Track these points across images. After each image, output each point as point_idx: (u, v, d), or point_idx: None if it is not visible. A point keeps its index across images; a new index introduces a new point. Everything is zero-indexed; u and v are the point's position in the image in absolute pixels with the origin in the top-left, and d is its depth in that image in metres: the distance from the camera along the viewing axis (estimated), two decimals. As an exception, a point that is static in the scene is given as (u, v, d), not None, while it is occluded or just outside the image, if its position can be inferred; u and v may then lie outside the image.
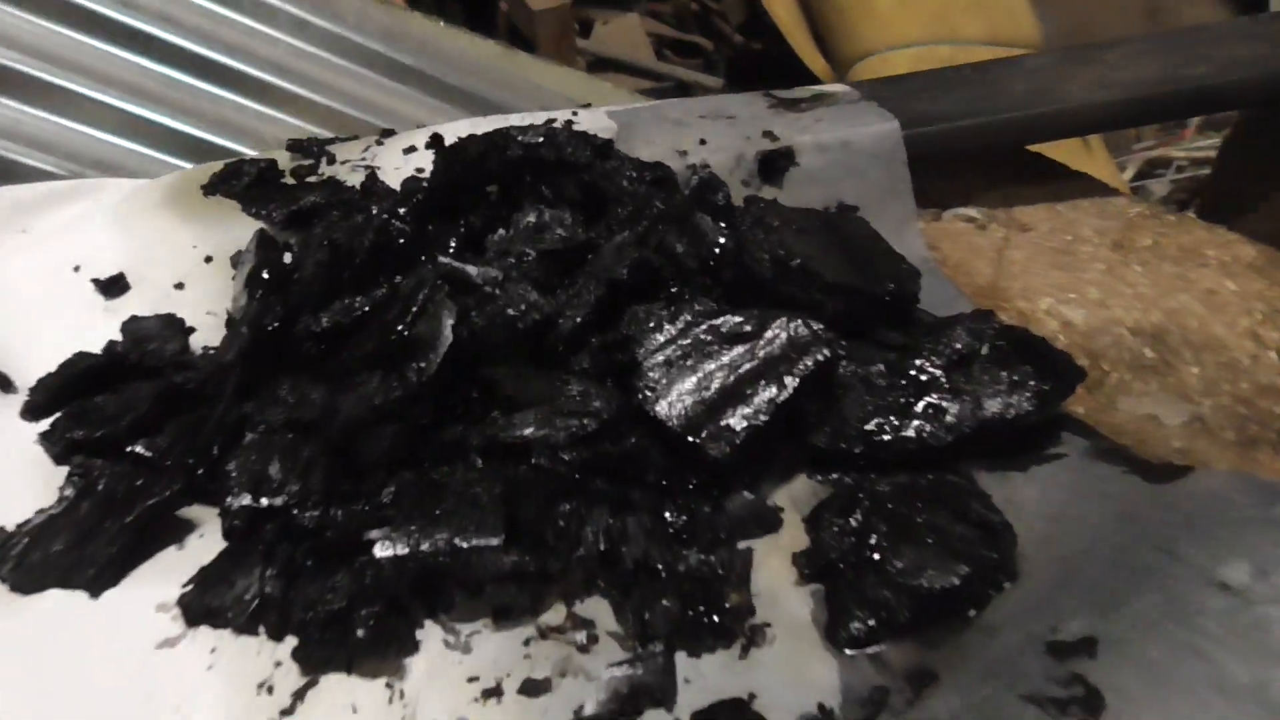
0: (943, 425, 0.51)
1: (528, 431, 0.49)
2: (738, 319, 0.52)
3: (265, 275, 0.54)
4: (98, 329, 0.61)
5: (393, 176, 0.67)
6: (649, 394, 0.50)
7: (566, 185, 0.57)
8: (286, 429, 0.53)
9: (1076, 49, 0.73)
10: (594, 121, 0.69)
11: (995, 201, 0.70)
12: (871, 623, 0.45)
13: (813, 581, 0.49)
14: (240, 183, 0.68)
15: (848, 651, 0.46)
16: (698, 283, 0.58)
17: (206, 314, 0.63)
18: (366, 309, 0.54)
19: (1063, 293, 0.63)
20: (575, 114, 0.71)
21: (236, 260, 0.63)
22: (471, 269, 0.54)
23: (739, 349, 0.51)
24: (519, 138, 0.57)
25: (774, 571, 0.50)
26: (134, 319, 0.62)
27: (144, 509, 0.51)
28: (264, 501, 0.51)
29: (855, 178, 0.67)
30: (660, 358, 0.51)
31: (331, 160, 0.70)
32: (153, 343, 0.60)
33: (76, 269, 0.65)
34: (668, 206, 0.59)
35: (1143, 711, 0.34)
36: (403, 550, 0.46)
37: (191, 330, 0.62)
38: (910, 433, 0.51)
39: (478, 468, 0.49)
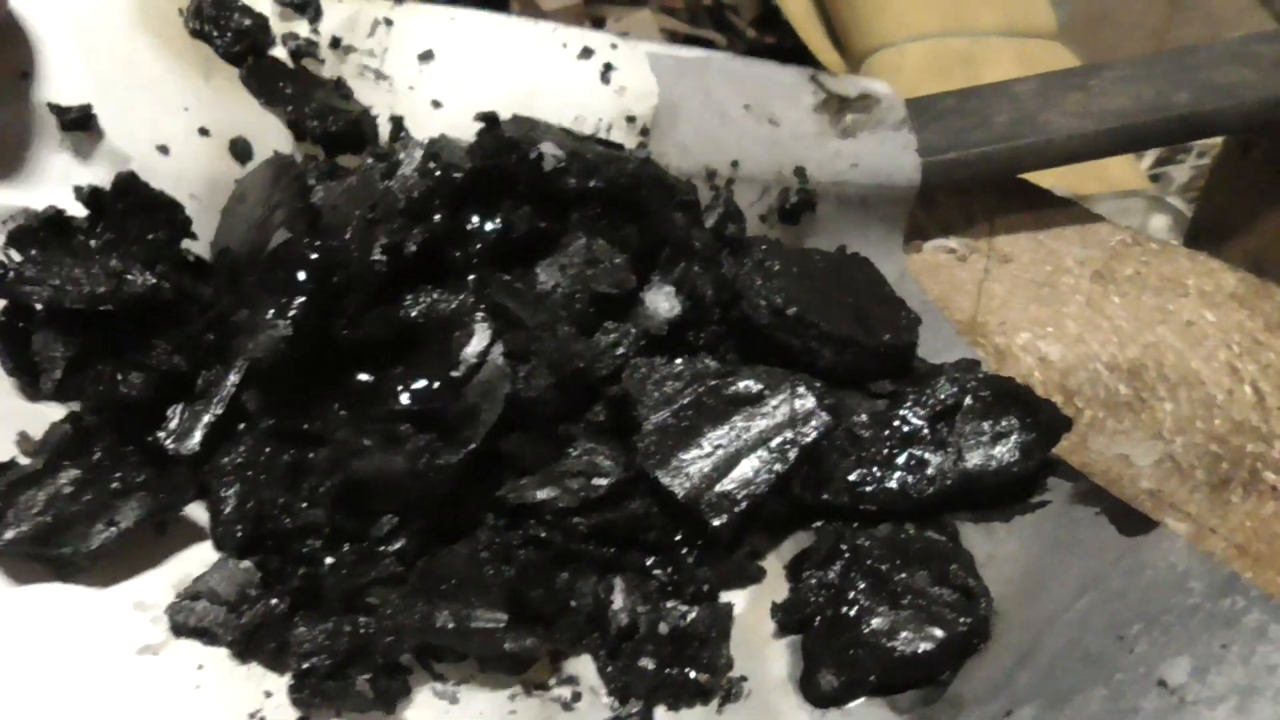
0: (924, 477, 0.52)
1: (540, 495, 0.49)
2: (743, 383, 0.52)
3: (301, 275, 0.49)
4: (56, 166, 0.53)
5: (408, 99, 0.61)
6: (653, 460, 0.51)
7: (623, 224, 0.55)
8: (295, 440, 0.51)
9: (1060, 75, 0.73)
10: (635, 76, 0.64)
11: (978, 231, 0.71)
12: (844, 680, 0.47)
13: (790, 633, 0.50)
14: (225, 36, 0.59)
15: (819, 708, 0.47)
16: (712, 331, 0.58)
17: (190, 196, 0.55)
18: (408, 320, 0.51)
19: (1041, 327, 0.63)
20: (614, 47, 0.65)
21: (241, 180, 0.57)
22: (522, 314, 0.52)
23: (741, 415, 0.52)
24: (604, 167, 0.54)
25: (754, 623, 0.51)
26: (129, 175, 0.52)
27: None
28: (266, 526, 0.50)
29: (860, 232, 0.67)
30: (660, 418, 0.52)
31: (336, 43, 0.62)
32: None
33: (24, 75, 0.53)
34: (700, 245, 0.58)
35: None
36: (410, 622, 0.47)
37: (187, 221, 0.54)
38: (893, 484, 0.52)
39: (486, 541, 0.50)
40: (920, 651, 0.45)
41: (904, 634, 0.46)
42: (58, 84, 0.53)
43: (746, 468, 0.50)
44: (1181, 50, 0.73)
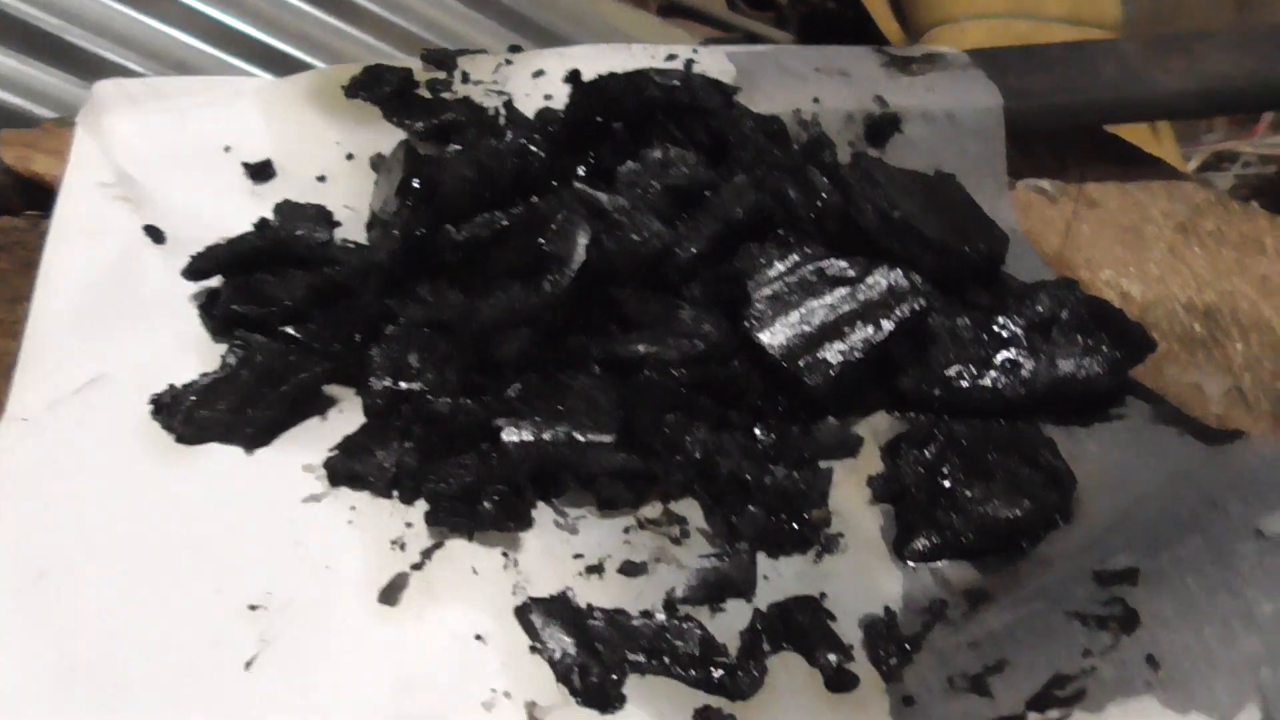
0: (1018, 379, 0.57)
1: (642, 348, 0.55)
2: (843, 263, 0.57)
3: (416, 185, 0.59)
4: (245, 208, 0.67)
5: (522, 103, 0.72)
6: (754, 322, 0.56)
7: (695, 128, 0.62)
8: (425, 325, 0.59)
9: (1166, 38, 0.77)
10: (714, 62, 0.73)
11: (1069, 177, 0.75)
12: (936, 540, 0.52)
13: (885, 502, 0.55)
14: (381, 89, 0.72)
15: (911, 565, 0.52)
16: (805, 230, 0.63)
17: (345, 208, 0.68)
18: (505, 224, 0.60)
19: (1124, 267, 0.68)
20: (695, 51, 0.75)
21: (377, 163, 0.69)
22: (603, 196, 0.59)
23: (841, 290, 0.57)
24: (657, 79, 0.62)
25: (850, 492, 0.56)
26: (288, 203, 0.66)
27: (296, 382, 0.58)
28: (403, 385, 0.57)
29: (955, 149, 0.71)
30: (768, 291, 0.57)
31: (466, 78, 0.74)
32: (302, 228, 0.65)
33: (227, 149, 0.70)
34: (784, 156, 0.64)
35: (1175, 634, 0.41)
36: (528, 437, 0.53)
37: (338, 224, 0.67)
38: (987, 382, 0.57)
39: (597, 375, 0.56)
40: (1010, 517, 0.51)
41: (995, 501, 0.51)
42: (249, 148, 0.70)
43: (843, 336, 0.55)
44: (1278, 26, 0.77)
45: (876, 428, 0.59)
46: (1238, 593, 0.40)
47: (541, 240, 0.56)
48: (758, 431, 0.57)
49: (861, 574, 0.53)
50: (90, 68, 0.99)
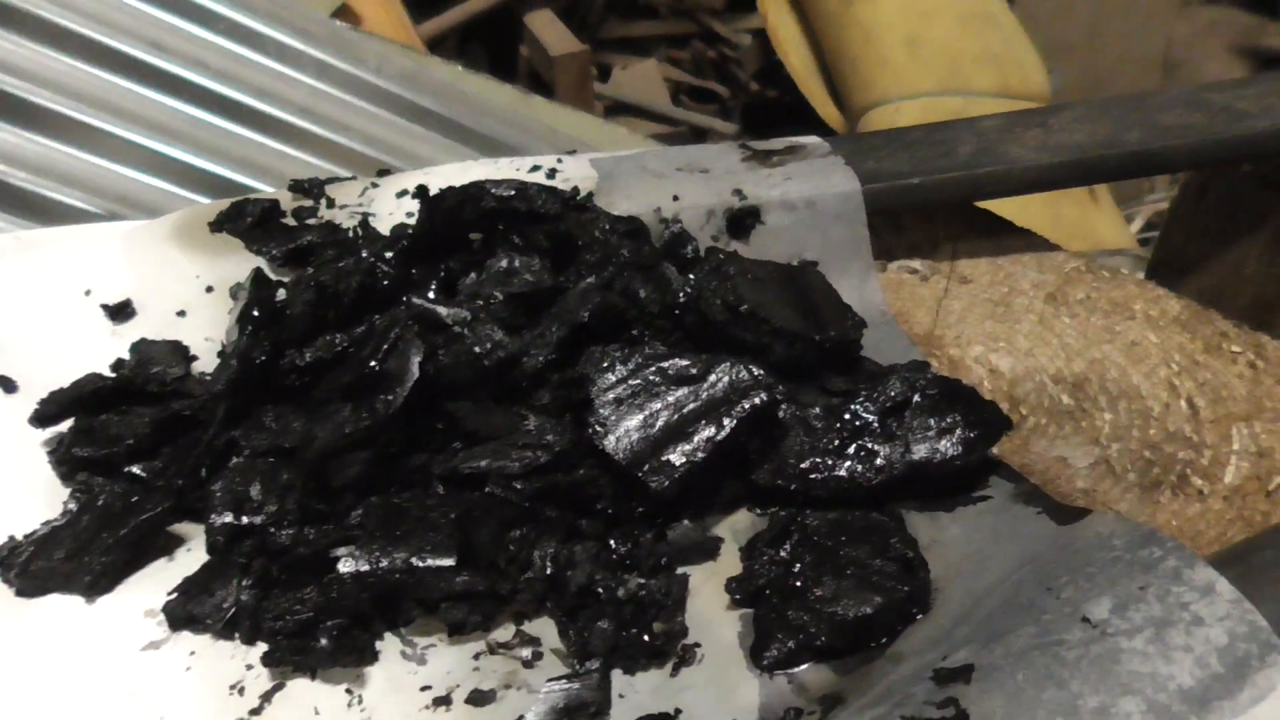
0: (872, 467, 0.56)
1: (484, 462, 0.54)
2: (684, 362, 0.56)
3: (255, 313, 0.59)
4: (104, 349, 0.67)
5: (385, 221, 0.72)
6: (599, 429, 0.55)
7: (536, 234, 0.62)
8: (269, 454, 0.58)
9: (1026, 113, 0.78)
10: (577, 169, 0.74)
11: (942, 255, 0.75)
12: (791, 645, 0.50)
13: (743, 606, 0.53)
14: (244, 221, 0.73)
15: (770, 673, 0.50)
16: (660, 327, 0.62)
17: (205, 340, 0.68)
18: (346, 345, 0.59)
19: (994, 342, 0.67)
20: (560, 160, 0.76)
21: (235, 291, 0.68)
22: (442, 309, 0.59)
23: (684, 390, 0.56)
24: (492, 190, 0.62)
25: (709, 597, 0.54)
26: (143, 341, 0.67)
27: (137, 524, 0.56)
28: (244, 520, 0.56)
29: (818, 235, 0.71)
30: (611, 396, 0.56)
31: (331, 203, 0.75)
32: (156, 366, 0.65)
33: (87, 293, 0.70)
34: (636, 255, 0.64)
35: (1006, 732, 0.39)
36: (364, 567, 0.51)
37: (194, 357, 0.67)
38: (842, 472, 0.56)
39: (438, 494, 0.54)
40: (861, 615, 0.49)
41: (846, 600, 0.49)
42: (109, 289, 0.70)
43: (688, 436, 0.53)
44: (1137, 95, 0.78)
45: (737, 526, 0.57)
46: (1063, 685, 0.38)
47: (374, 360, 0.55)
48: (612, 541, 0.55)
49: (719, 685, 0.50)
50: (36, 208, 1.00)
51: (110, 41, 1.13)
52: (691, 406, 0.55)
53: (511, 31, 3.03)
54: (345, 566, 0.51)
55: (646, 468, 0.54)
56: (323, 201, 0.75)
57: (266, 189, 1.04)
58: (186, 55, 1.17)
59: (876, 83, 2.79)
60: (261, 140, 1.20)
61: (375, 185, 0.75)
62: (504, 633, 0.53)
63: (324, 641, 0.51)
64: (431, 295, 0.63)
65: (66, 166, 1.06)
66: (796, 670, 0.50)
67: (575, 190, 0.69)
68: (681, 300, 0.63)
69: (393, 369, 0.55)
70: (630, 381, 0.56)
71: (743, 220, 0.71)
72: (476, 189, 0.62)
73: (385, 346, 0.55)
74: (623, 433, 0.54)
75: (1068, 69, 3.24)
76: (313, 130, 1.24)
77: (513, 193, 0.62)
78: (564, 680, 0.50)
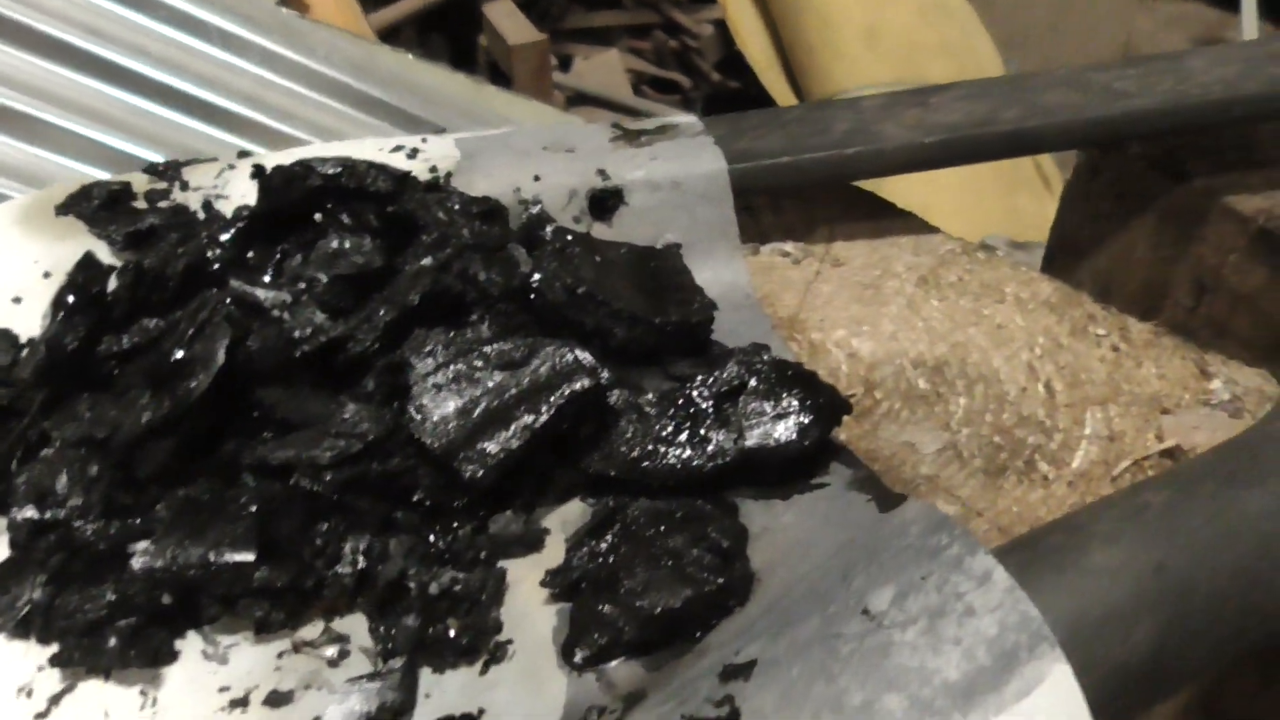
0: (704, 454, 0.53)
1: (292, 452, 0.51)
2: (508, 346, 0.54)
3: (70, 298, 0.56)
4: None
5: (237, 203, 0.69)
6: (416, 417, 0.52)
7: (365, 213, 0.59)
8: (80, 444, 0.55)
9: (910, 92, 0.76)
10: (440, 148, 0.72)
11: (819, 237, 0.73)
12: (602, 641, 0.47)
13: (561, 600, 0.51)
14: (91, 204, 0.70)
15: (579, 670, 0.48)
16: (502, 310, 0.60)
17: (40, 326, 0.65)
18: (163, 329, 0.56)
19: (858, 325, 0.65)
20: (425, 140, 0.73)
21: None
22: (261, 292, 0.56)
23: (506, 375, 0.53)
24: (318, 169, 0.59)
25: (528, 591, 0.52)
26: None
27: (-64, 521, 0.53)
28: (47, 514, 0.53)
29: (685, 216, 0.69)
30: (431, 382, 0.53)
31: (185, 186, 0.72)
32: None
33: None
34: (479, 237, 0.62)
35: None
36: (158, 563, 0.49)
37: (23, 345, 0.64)
38: (673, 460, 0.53)
39: (244, 486, 0.52)
40: (669, 608, 0.46)
41: (655, 593, 0.47)
42: None
43: (505, 424, 0.51)
44: (1019, 75, 0.76)
45: (568, 517, 0.55)
46: (833, 679, 0.36)
47: (179, 347, 0.52)
48: (432, 536, 0.52)
49: (528, 684, 0.48)
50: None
51: (46, 28, 1.10)
52: (512, 392, 0.53)
53: (473, 22, 3.00)
54: (138, 562, 0.49)
55: (461, 456, 0.51)
56: (177, 185, 0.72)
57: None
58: (127, 42, 1.14)
59: (834, 73, 2.78)
60: (206, 130, 1.17)
61: (232, 167, 0.73)
62: (311, 630, 0.51)
63: (114, 641, 0.48)
64: (267, 279, 0.60)
65: (2, 156, 1.03)
66: (608, 666, 0.48)
67: (434, 170, 0.67)
68: (531, 284, 0.60)
69: (198, 354, 0.52)
70: (452, 367, 0.53)
71: (605, 201, 0.68)
72: (302, 167, 0.60)
73: (191, 331, 0.52)
74: (439, 419, 0.52)
75: (1028, 61, 3.23)
76: (258, 120, 1.21)
77: (339, 170, 0.59)
78: (364, 680, 0.48)
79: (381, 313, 0.56)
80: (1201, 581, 0.37)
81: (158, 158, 1.08)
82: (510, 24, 2.84)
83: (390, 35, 2.90)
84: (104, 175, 1.03)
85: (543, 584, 0.51)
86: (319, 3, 1.72)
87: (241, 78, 1.19)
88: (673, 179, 0.69)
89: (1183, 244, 0.76)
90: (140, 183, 0.73)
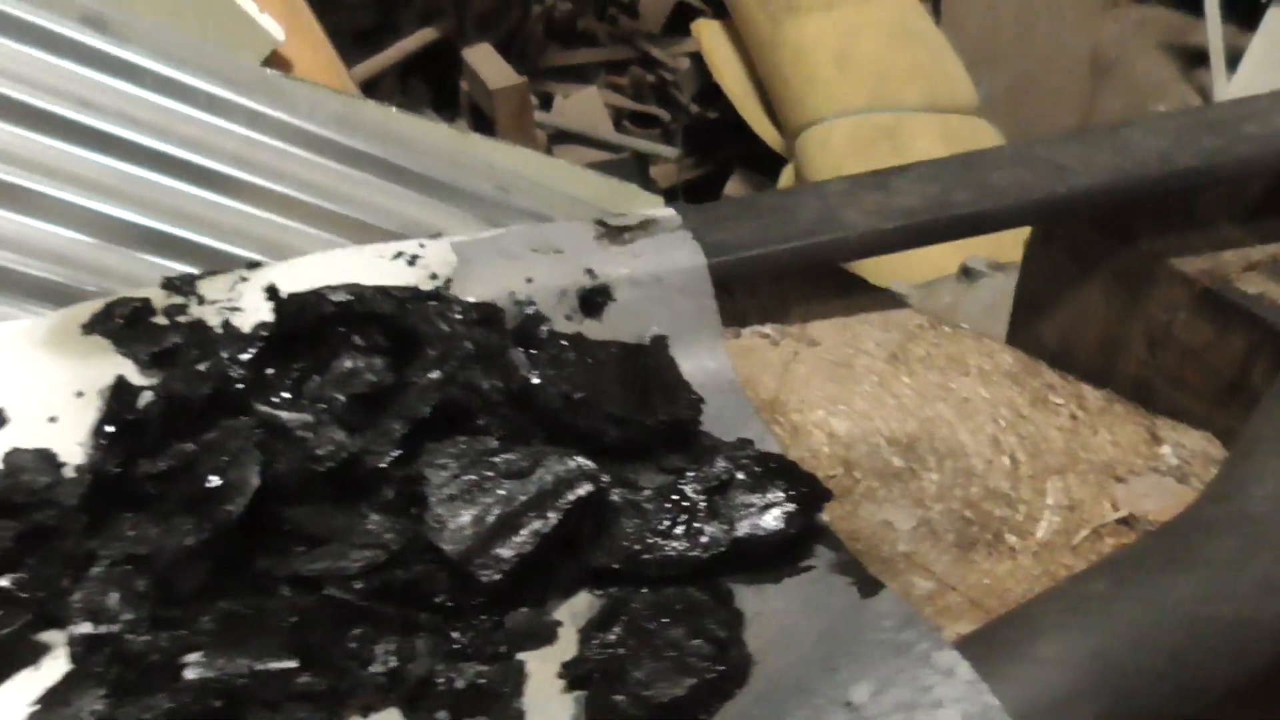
0: (698, 545, 0.59)
1: (322, 565, 0.56)
2: (514, 456, 0.59)
3: (109, 427, 0.61)
4: None
5: (252, 316, 0.74)
6: (434, 526, 0.57)
7: (373, 334, 0.65)
8: (126, 562, 0.60)
9: (870, 175, 0.81)
10: (438, 253, 0.77)
11: (793, 317, 0.78)
12: (615, 728, 0.53)
13: (576, 689, 0.56)
14: (115, 323, 0.75)
15: (596, 757, 0.53)
16: (504, 415, 0.65)
17: (77, 445, 0.70)
18: (197, 452, 0.61)
19: (834, 405, 0.70)
20: (422, 245, 0.79)
21: (104, 395, 0.71)
22: (285, 415, 0.61)
23: (514, 484, 0.59)
24: (330, 297, 0.65)
25: (545, 681, 0.57)
26: (13, 451, 0.69)
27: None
28: (101, 629, 0.58)
29: (667, 309, 0.74)
30: (445, 493, 0.58)
31: (201, 300, 0.77)
32: (26, 474, 0.67)
33: None
34: (481, 345, 0.67)
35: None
36: (209, 674, 0.53)
37: (63, 464, 0.69)
38: (671, 551, 0.59)
39: (281, 598, 0.57)
40: (674, 698, 0.51)
41: (660, 684, 0.52)
42: None
43: (516, 529, 0.56)
44: (973, 154, 0.81)
45: (576, 608, 0.60)
46: (819, 771, 0.41)
47: (214, 473, 0.57)
48: (452, 632, 0.58)
49: (550, 768, 0.53)
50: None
51: (38, 103, 1.14)
52: (521, 500, 0.58)
53: (451, 66, 3.05)
54: (191, 673, 0.54)
55: (477, 562, 0.56)
56: (193, 298, 0.77)
57: (201, 239, 1.07)
58: (116, 111, 1.18)
59: (809, 101, 2.84)
60: (195, 191, 1.21)
61: (245, 279, 0.78)
62: (350, 727, 0.56)
63: (172, 752, 0.53)
64: (286, 396, 0.66)
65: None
66: (622, 752, 0.53)
67: (434, 276, 0.72)
68: (529, 385, 0.65)
69: (233, 480, 0.57)
70: (464, 477, 0.59)
71: (594, 298, 0.74)
72: (316, 297, 0.65)
73: (226, 459, 0.57)
74: (455, 528, 0.57)
75: (998, 76, 3.30)
76: (246, 179, 1.25)
77: (350, 298, 0.64)
78: (404, 772, 0.53)
79: (396, 426, 0.61)
80: (1137, 666, 0.42)
81: (149, 223, 1.13)
82: (489, 68, 2.90)
83: (371, 81, 2.96)
84: (94, 241, 1.08)
85: (559, 675, 0.56)
86: (303, 61, 1.78)
87: (228, 139, 1.24)
88: (654, 275, 0.74)
89: (1134, 302, 0.81)
90: (159, 298, 0.78)
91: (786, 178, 2.77)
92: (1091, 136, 0.80)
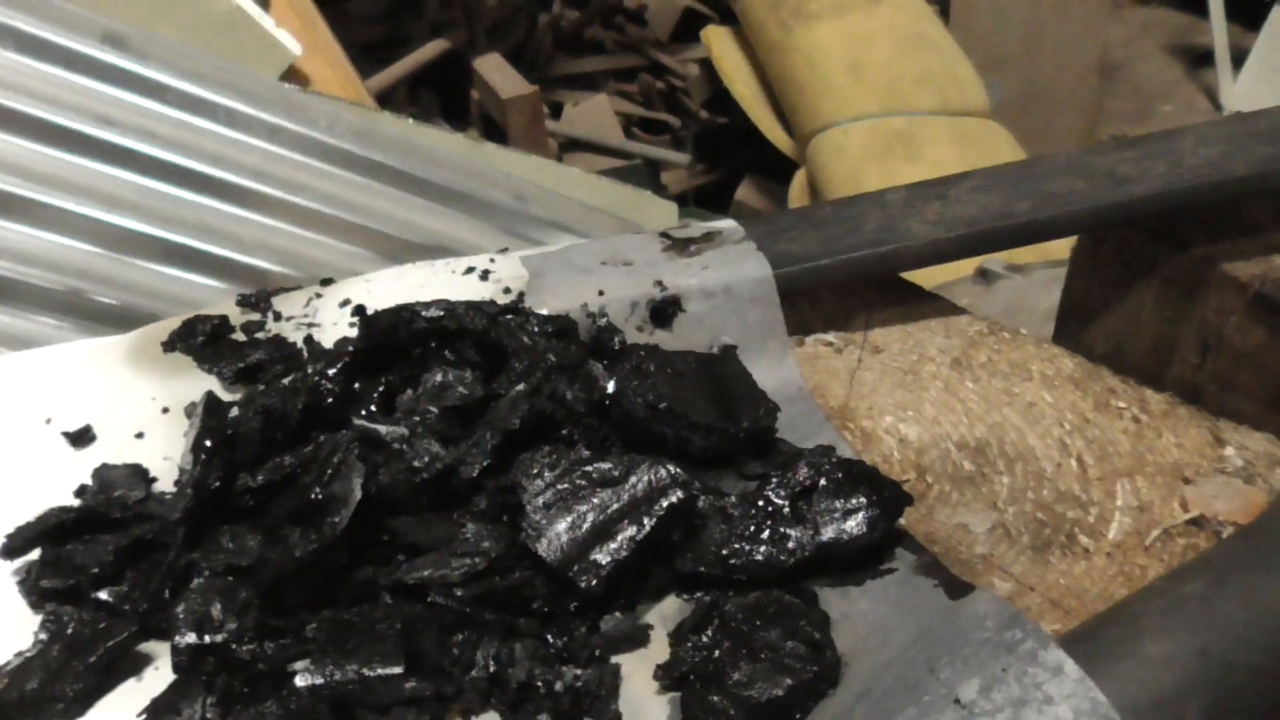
0: (785, 550, 0.60)
1: (426, 573, 0.58)
2: (607, 465, 0.61)
3: (208, 442, 0.63)
4: (67, 474, 0.71)
5: (330, 331, 0.76)
6: (531, 534, 0.59)
7: (465, 348, 0.67)
8: (227, 573, 0.62)
9: (928, 184, 0.83)
10: (509, 268, 0.79)
11: (855, 325, 0.80)
12: (714, 728, 0.54)
13: (671, 691, 0.58)
14: (196, 340, 0.77)
15: (695, 755, 0.55)
16: (588, 425, 0.67)
17: (164, 459, 0.72)
18: (295, 465, 0.63)
19: (903, 411, 0.72)
20: (493, 260, 0.80)
21: (190, 411, 0.72)
22: (382, 428, 0.63)
23: (608, 491, 0.60)
24: (423, 313, 0.67)
25: (640, 683, 0.58)
26: (104, 467, 0.70)
27: (105, 650, 0.60)
28: (206, 639, 0.60)
29: (737, 320, 0.76)
30: (541, 501, 0.60)
31: (278, 316, 0.79)
32: (118, 489, 0.69)
33: (48, 421, 0.74)
34: (562, 357, 0.69)
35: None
36: (319, 681, 0.55)
37: (153, 479, 0.71)
38: (759, 556, 0.60)
39: (386, 605, 0.58)
40: (773, 697, 0.53)
41: (759, 684, 0.54)
42: (68, 416, 0.74)
43: (612, 536, 0.58)
44: (1027, 162, 0.83)
45: (666, 612, 0.61)
46: (936, 765, 0.43)
47: (318, 486, 0.59)
48: (548, 636, 0.59)
49: (650, 767, 0.55)
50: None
51: (60, 120, 1.16)
52: (615, 507, 0.60)
53: (463, 76, 3.07)
54: (301, 681, 0.56)
55: (576, 568, 0.58)
56: (270, 315, 0.79)
57: (223, 253, 1.10)
58: (137, 128, 1.20)
59: (821, 107, 2.86)
60: (217, 205, 1.23)
61: (319, 295, 0.80)
62: (454, 730, 0.57)
63: (286, 754, 0.55)
64: (374, 409, 0.67)
65: (22, 245, 1.09)
66: (722, 751, 0.54)
67: (508, 290, 0.74)
68: (608, 397, 0.67)
69: (337, 492, 0.59)
70: (558, 486, 0.60)
71: (664, 310, 0.75)
72: (408, 312, 0.67)
73: (329, 471, 0.59)
74: (553, 536, 0.59)
75: (1008, 80, 3.32)
76: (267, 192, 1.27)
77: (442, 314, 0.66)
78: (509, 773, 0.54)
79: (488, 437, 0.63)
80: (1240, 662, 0.44)
81: (172, 236, 1.15)
82: (501, 77, 2.92)
83: (386, 96, 2.98)
84: (116, 256, 1.10)
85: (655, 677, 0.58)
86: (320, 75, 1.80)
87: (249, 153, 1.26)
88: (724, 285, 0.76)
89: (1186, 307, 0.83)
90: (235, 314, 0.80)
91: (798, 183, 2.79)
92: (1144, 145, 0.82)
